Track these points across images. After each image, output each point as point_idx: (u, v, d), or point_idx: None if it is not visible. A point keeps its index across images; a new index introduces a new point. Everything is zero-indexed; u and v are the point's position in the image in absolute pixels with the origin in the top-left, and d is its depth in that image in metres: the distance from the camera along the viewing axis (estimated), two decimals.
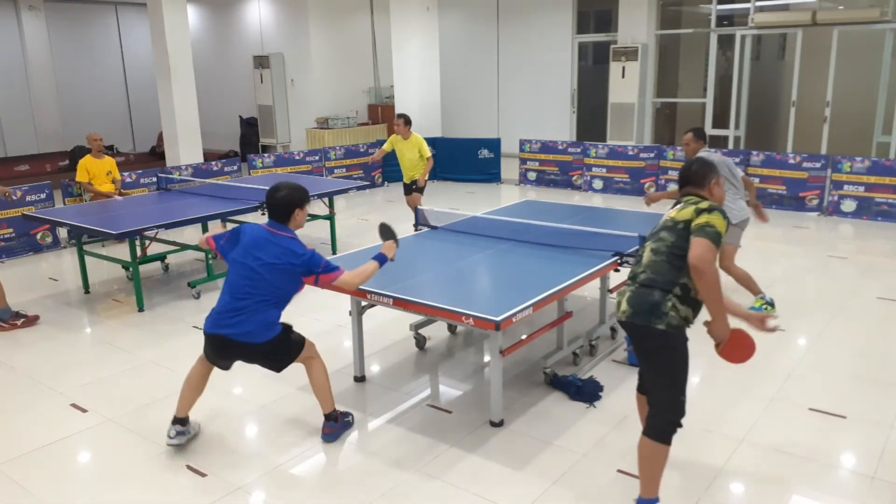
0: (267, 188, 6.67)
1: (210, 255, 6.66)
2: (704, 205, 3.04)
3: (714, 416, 4.08)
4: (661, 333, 2.95)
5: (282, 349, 3.68)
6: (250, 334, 3.53)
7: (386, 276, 4.38)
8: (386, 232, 3.92)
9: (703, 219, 2.95)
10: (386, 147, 8.04)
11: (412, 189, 8.06)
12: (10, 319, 5.71)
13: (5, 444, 3.95)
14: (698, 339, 5.10)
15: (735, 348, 3.08)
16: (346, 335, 5.23)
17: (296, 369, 4.80)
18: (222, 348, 3.64)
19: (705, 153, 5.42)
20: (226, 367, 3.82)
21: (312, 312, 5.79)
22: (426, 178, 7.94)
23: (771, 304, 5.62)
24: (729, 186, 5.29)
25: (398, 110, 12.46)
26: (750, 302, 5.57)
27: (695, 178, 3.22)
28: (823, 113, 10.76)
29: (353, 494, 3.41)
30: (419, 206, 6.75)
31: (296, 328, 3.80)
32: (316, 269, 3.54)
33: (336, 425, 3.89)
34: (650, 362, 3.11)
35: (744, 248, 7.32)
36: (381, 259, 3.74)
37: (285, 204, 3.58)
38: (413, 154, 7.83)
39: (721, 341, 3.06)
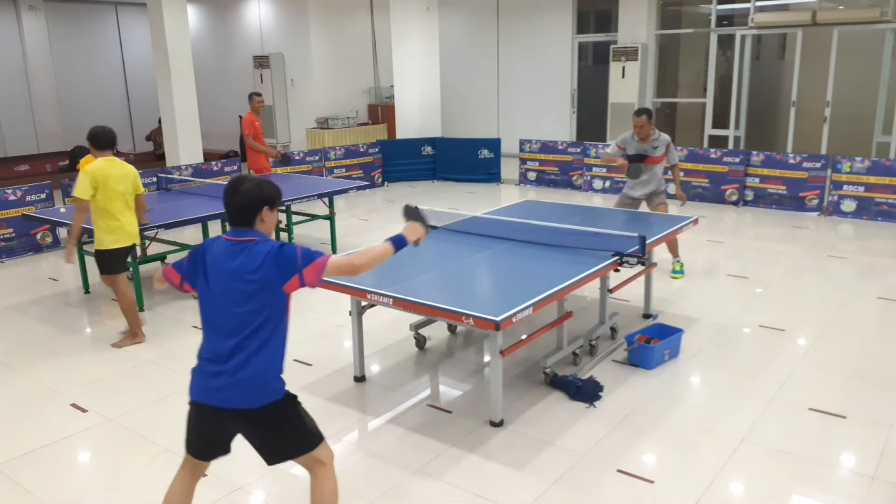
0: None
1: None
2: None
3: (714, 416, 4.08)
4: None
5: (289, 423, 2.74)
6: (245, 398, 2.63)
7: (386, 276, 4.38)
8: (410, 213, 3.18)
9: None
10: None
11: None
12: None
13: (5, 444, 3.95)
14: (697, 340, 5.12)
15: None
16: (346, 335, 5.23)
17: (298, 369, 4.78)
18: (211, 420, 2.73)
19: (661, 133, 6.36)
20: (223, 451, 2.85)
21: (312, 312, 5.79)
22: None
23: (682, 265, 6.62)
24: (661, 167, 6.42)
25: (398, 110, 12.49)
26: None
27: None
28: (823, 113, 10.76)
29: (353, 494, 3.41)
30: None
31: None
32: (294, 263, 2.61)
33: None
34: None
35: (744, 248, 7.34)
36: (398, 241, 2.89)
37: (253, 201, 2.66)
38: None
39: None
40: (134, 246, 5.41)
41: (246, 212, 2.67)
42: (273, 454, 2.77)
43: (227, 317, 2.65)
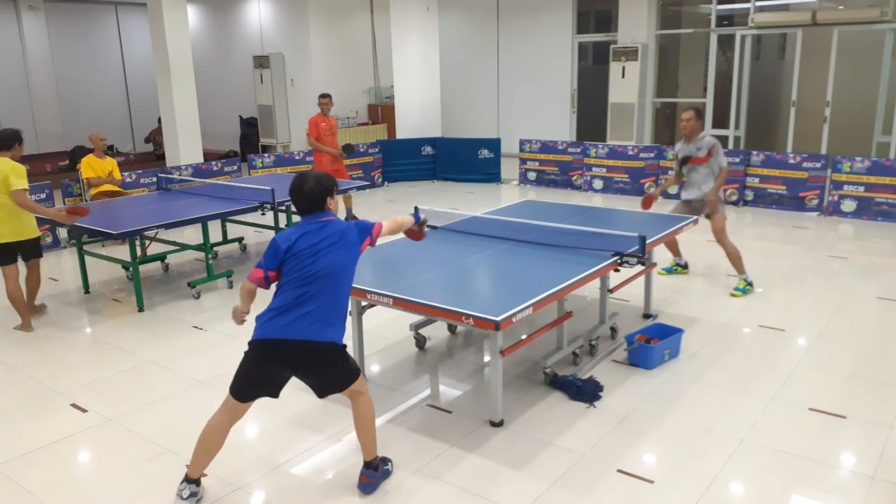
0: (267, 188, 6.79)
1: (210, 256, 6.65)
2: None
3: (714, 416, 4.08)
4: None
5: (344, 362, 3.34)
6: (317, 332, 3.18)
7: (386, 275, 4.39)
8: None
9: None
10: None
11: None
12: None
13: (5, 444, 3.95)
14: (697, 340, 5.12)
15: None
16: (346, 335, 5.21)
17: None
18: (279, 355, 3.22)
19: (708, 135, 6.29)
20: (275, 390, 3.34)
21: None
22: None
23: (751, 284, 6.19)
24: (711, 169, 6.23)
25: (398, 110, 12.49)
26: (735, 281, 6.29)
27: None
28: (823, 113, 10.76)
29: (353, 494, 3.41)
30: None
31: None
32: (369, 227, 3.43)
33: (376, 475, 3.47)
34: None
35: (744, 248, 7.35)
36: (416, 217, 3.94)
37: (318, 193, 3.32)
38: None
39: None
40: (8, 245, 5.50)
41: (314, 203, 3.32)
42: (324, 389, 3.38)
43: (313, 275, 3.20)
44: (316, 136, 8.70)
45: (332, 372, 3.32)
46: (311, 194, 3.31)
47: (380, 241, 3.63)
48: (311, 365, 3.27)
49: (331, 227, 3.30)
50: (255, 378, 3.29)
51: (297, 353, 3.20)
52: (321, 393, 3.39)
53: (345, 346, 3.32)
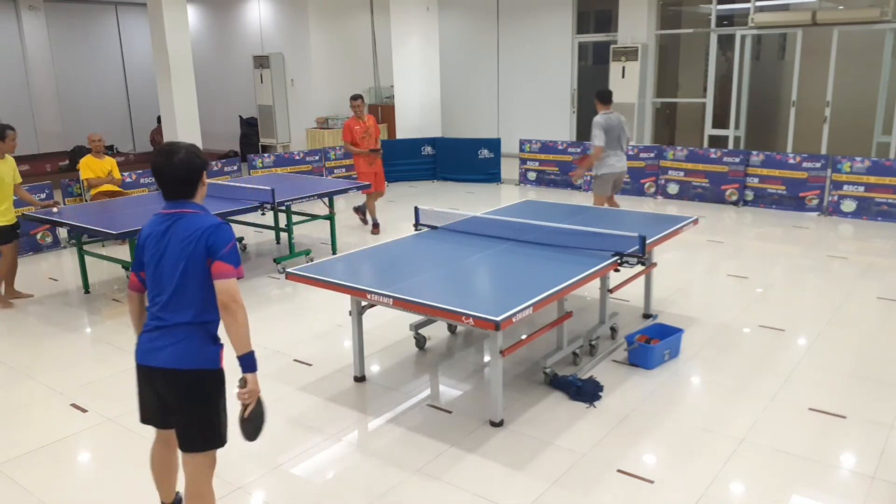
0: (267, 188, 6.78)
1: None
2: None
3: (714, 416, 4.08)
4: None
5: (216, 401, 2.69)
6: (182, 356, 2.60)
7: (386, 275, 4.39)
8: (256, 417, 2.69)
9: None
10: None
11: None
12: None
13: (5, 444, 3.95)
14: (697, 340, 5.12)
15: None
16: (346, 335, 5.23)
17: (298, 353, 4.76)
18: (151, 384, 2.71)
19: (603, 116, 7.06)
20: (163, 422, 2.80)
21: (312, 312, 5.79)
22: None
23: None
24: (616, 145, 7.10)
25: (398, 110, 12.49)
26: None
27: None
28: (823, 113, 10.76)
29: (353, 494, 3.41)
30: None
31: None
32: (219, 250, 2.56)
33: None
34: None
35: (744, 248, 7.36)
36: (250, 363, 2.59)
37: (190, 168, 2.63)
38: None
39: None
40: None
41: (186, 181, 2.66)
42: (185, 436, 2.70)
43: (163, 284, 2.65)
44: (350, 141, 8.60)
45: (196, 411, 2.65)
46: (180, 168, 2.60)
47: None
48: (173, 399, 2.66)
49: (180, 227, 2.62)
50: (143, 400, 2.80)
51: (161, 382, 2.66)
52: (183, 442, 2.70)
53: (220, 371, 2.68)
